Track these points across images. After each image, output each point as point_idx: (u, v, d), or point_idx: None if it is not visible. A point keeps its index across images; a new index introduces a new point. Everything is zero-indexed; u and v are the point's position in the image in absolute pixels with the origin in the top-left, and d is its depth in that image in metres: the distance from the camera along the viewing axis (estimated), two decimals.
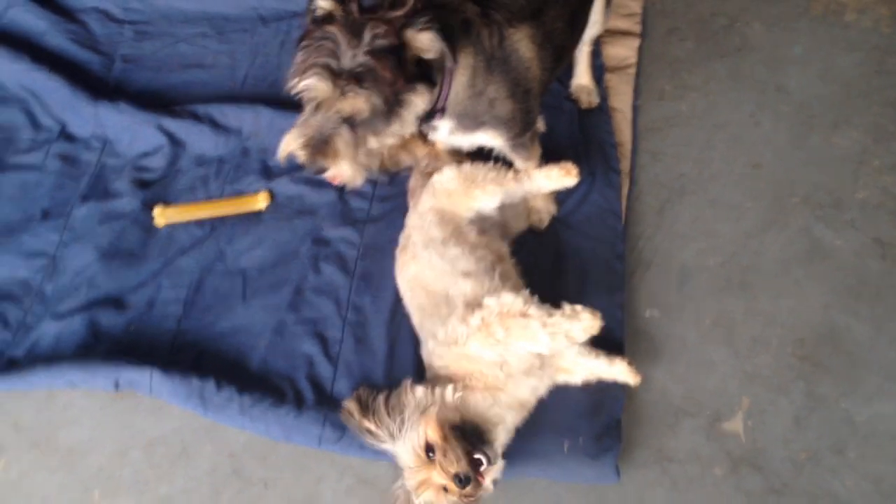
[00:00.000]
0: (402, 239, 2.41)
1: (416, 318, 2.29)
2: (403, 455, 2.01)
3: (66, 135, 2.80)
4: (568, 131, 2.79)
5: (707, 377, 2.37)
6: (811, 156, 2.81)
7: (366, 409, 2.07)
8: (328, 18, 1.91)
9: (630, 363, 2.22)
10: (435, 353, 2.16)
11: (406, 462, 2.00)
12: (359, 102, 1.88)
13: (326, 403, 2.27)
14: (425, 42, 1.89)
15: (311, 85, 1.87)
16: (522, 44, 2.15)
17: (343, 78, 1.85)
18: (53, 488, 2.21)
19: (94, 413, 2.32)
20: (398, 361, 2.34)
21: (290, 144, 1.96)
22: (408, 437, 2.00)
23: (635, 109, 2.91)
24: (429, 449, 1.97)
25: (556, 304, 2.11)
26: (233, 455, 2.25)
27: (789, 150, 2.83)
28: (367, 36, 1.84)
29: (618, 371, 2.21)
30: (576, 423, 2.21)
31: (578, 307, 2.09)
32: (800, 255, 2.59)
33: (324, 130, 1.92)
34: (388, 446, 2.05)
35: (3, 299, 2.46)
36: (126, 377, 2.25)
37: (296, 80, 1.89)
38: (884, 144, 2.82)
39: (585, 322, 2.06)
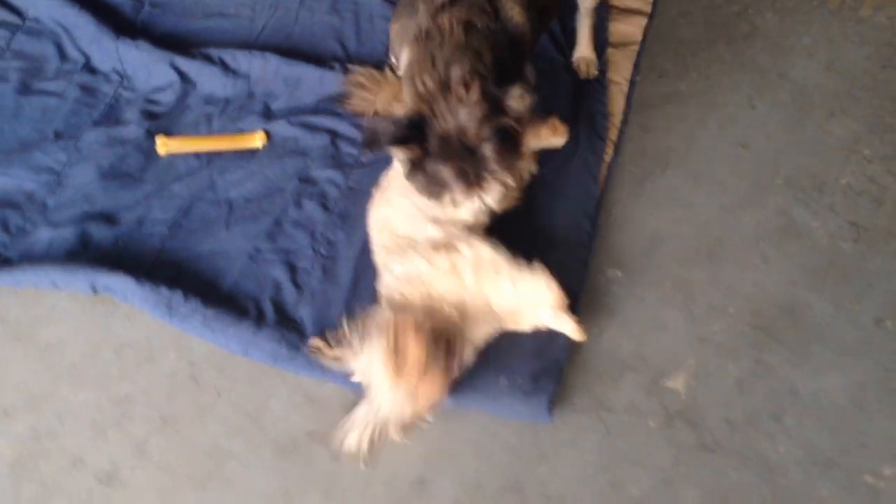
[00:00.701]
0: (383, 180, 2.52)
1: (380, 256, 2.40)
2: (371, 368, 2.09)
3: (89, 67, 3.00)
4: (562, 99, 2.85)
5: (658, 337, 2.41)
6: (802, 141, 2.82)
7: (333, 340, 2.19)
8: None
9: (579, 322, 2.28)
10: (395, 290, 2.26)
11: (375, 372, 2.08)
12: (507, 182, 2.14)
13: (285, 325, 2.39)
14: (522, 99, 2.04)
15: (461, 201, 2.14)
16: (515, 11, 2.26)
17: (482, 179, 2.09)
18: (28, 377, 2.38)
19: (74, 314, 2.48)
20: (360, 294, 2.44)
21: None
22: (373, 345, 2.09)
23: (632, 83, 2.95)
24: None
25: (528, 260, 2.24)
26: (193, 363, 2.39)
27: (781, 134, 2.84)
28: (477, 146, 2.03)
29: (565, 325, 2.28)
30: (517, 363, 2.28)
31: (546, 275, 2.23)
32: (773, 232, 2.61)
33: None
34: (355, 365, 2.15)
35: (8, 206, 2.66)
36: (103, 282, 2.41)
37: (454, 205, 2.16)
38: (878, 135, 2.81)
39: (544, 289, 2.20)
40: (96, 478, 2.22)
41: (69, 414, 2.32)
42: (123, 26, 3.08)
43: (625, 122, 2.85)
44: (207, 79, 2.93)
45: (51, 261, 2.50)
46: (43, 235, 2.59)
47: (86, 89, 2.95)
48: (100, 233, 2.60)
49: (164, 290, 2.38)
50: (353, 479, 2.21)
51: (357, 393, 2.18)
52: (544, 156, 2.56)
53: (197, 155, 2.77)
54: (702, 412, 2.27)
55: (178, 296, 2.38)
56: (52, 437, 2.29)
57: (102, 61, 3.00)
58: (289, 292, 2.46)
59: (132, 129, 2.83)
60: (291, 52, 2.99)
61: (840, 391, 2.29)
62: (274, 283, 2.48)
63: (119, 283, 2.40)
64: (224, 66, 2.94)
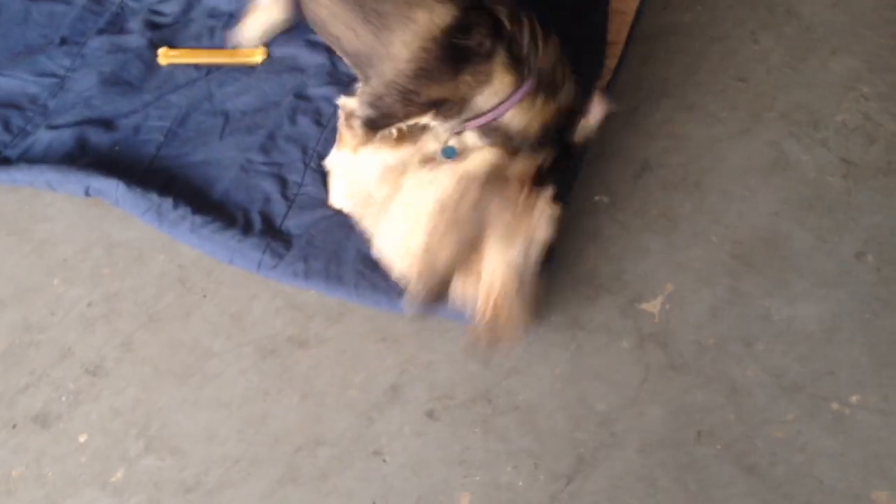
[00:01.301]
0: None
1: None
2: None
3: None
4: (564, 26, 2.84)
5: (638, 262, 2.44)
6: (802, 77, 2.81)
7: None
8: None
9: None
10: None
11: None
12: None
13: (271, 235, 2.44)
14: None
15: None
16: None
17: None
18: (21, 270, 2.47)
19: (69, 214, 2.55)
20: None
21: None
22: None
23: (638, 14, 2.93)
24: None
25: None
26: (181, 266, 2.46)
27: (781, 69, 2.83)
28: None
29: None
30: None
31: None
32: (763, 164, 2.61)
33: None
34: None
35: (11, 107, 2.72)
36: (95, 185, 2.47)
37: None
38: (879, 74, 2.79)
39: None
40: (83, 368, 2.31)
41: (60, 307, 2.41)
42: None
43: (625, 51, 2.84)
44: None
45: (47, 163, 2.56)
46: (42, 137, 2.65)
47: None
48: (97, 137, 2.65)
49: (154, 196, 2.44)
50: (330, 383, 2.28)
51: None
52: None
53: (196, 67, 2.81)
54: (673, 335, 2.31)
55: (167, 202, 2.44)
56: (42, 328, 2.37)
57: None
58: (278, 205, 2.51)
59: (135, 38, 2.87)
60: None
61: (813, 320, 2.31)
62: (264, 195, 2.53)
63: (111, 188, 2.46)
64: None
